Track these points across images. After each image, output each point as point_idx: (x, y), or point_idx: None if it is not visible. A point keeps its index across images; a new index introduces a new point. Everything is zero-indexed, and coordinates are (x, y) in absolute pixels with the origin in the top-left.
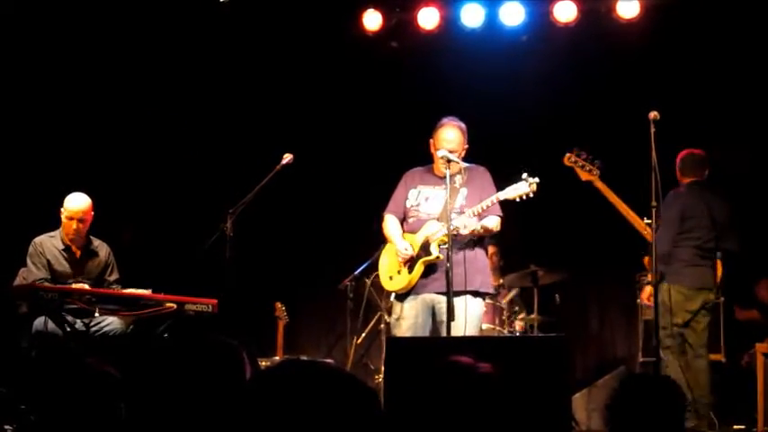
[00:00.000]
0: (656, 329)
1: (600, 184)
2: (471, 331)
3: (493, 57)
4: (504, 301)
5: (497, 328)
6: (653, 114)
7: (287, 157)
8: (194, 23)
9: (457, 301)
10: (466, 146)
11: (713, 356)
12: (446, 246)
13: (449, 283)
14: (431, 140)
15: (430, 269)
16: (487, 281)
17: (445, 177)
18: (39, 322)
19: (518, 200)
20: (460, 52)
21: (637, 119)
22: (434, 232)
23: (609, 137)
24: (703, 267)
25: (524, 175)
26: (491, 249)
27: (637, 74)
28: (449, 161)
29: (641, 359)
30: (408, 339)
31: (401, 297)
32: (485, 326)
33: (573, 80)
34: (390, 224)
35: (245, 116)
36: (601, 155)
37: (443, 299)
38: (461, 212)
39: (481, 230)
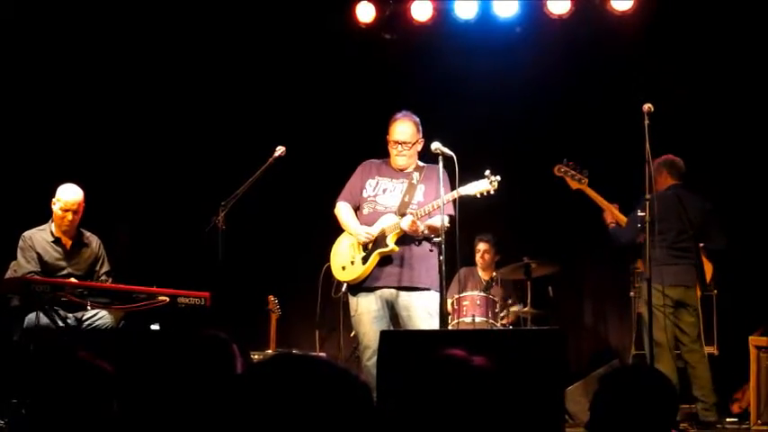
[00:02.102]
0: (649, 332)
1: (590, 192)
2: (432, 325)
3: (486, 49)
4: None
5: (490, 321)
6: (647, 107)
7: (279, 150)
8: (187, 17)
9: (414, 295)
10: (421, 139)
11: (706, 349)
12: (440, 240)
13: (441, 277)
14: (387, 136)
15: (384, 262)
16: (436, 280)
17: (403, 171)
18: (31, 317)
19: (478, 196)
20: (454, 44)
21: (630, 111)
22: (391, 225)
23: (602, 129)
24: (678, 266)
25: (487, 173)
26: (484, 246)
27: (630, 66)
28: (441, 153)
29: (634, 351)
30: (401, 333)
31: (354, 291)
32: (478, 319)
33: (566, 72)
34: (345, 211)
35: (238, 109)
36: (594, 147)
37: (403, 293)
38: (418, 209)
39: (426, 231)
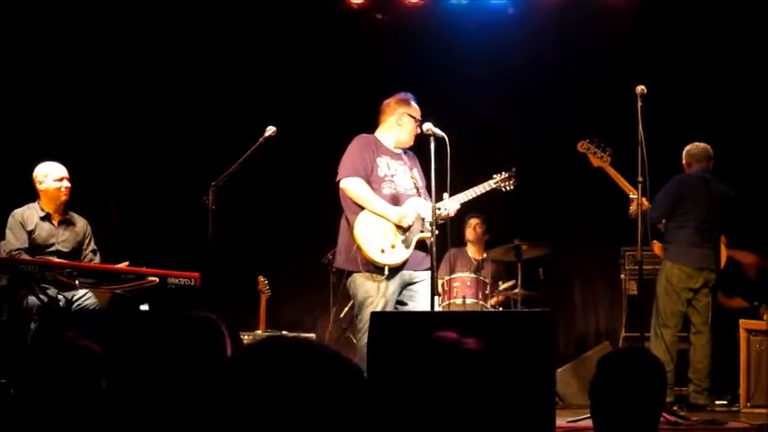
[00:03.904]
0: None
1: (610, 171)
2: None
3: (479, 30)
4: (501, 288)
5: (480, 302)
6: (640, 89)
7: (270, 130)
8: None
9: (426, 273)
10: None
11: None
12: (431, 222)
13: (432, 258)
14: (397, 111)
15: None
16: None
17: (395, 152)
18: (26, 299)
19: (503, 190)
20: (446, 25)
21: (623, 93)
22: (428, 208)
23: (595, 111)
24: (704, 248)
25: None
26: (476, 220)
27: (624, 48)
28: (433, 134)
29: (624, 334)
30: (393, 314)
31: (392, 274)
32: (469, 300)
33: (559, 54)
34: (368, 189)
35: (229, 88)
36: (587, 129)
37: (418, 274)
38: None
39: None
